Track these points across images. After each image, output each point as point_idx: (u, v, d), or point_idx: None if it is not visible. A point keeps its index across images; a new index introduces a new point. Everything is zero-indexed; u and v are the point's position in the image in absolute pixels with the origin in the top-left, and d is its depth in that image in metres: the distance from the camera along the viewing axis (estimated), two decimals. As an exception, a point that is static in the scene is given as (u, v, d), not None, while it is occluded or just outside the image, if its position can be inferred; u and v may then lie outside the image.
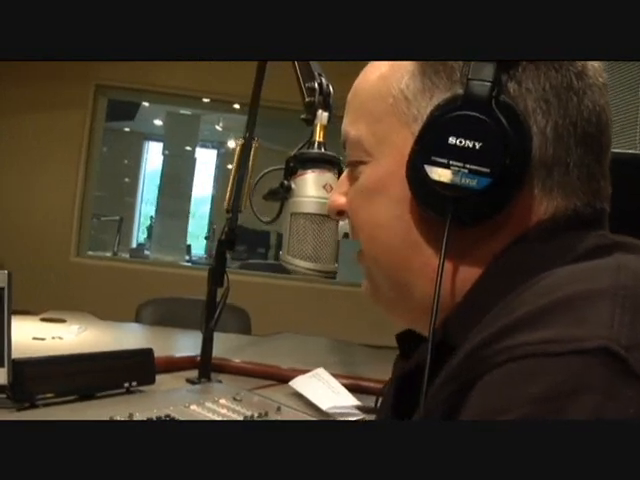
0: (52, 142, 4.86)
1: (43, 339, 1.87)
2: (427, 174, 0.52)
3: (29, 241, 4.69)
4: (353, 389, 1.44)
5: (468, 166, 0.51)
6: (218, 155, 10.20)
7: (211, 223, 9.47)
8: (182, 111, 7.67)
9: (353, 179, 0.61)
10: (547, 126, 0.53)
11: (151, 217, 9.36)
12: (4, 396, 1.18)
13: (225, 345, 2.00)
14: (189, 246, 8.24)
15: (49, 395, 1.19)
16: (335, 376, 1.50)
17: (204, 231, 9.77)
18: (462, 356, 0.46)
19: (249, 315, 2.80)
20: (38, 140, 4.84)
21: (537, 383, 0.40)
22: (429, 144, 0.53)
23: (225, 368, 1.69)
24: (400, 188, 0.55)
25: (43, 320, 2.20)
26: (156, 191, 8.78)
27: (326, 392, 1.40)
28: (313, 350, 2.28)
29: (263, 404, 1.27)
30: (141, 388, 1.36)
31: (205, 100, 5.60)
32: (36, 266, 4.54)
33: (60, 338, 1.91)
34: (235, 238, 1.56)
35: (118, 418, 1.06)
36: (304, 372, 1.54)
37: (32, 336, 1.87)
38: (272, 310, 4.42)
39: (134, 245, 9.54)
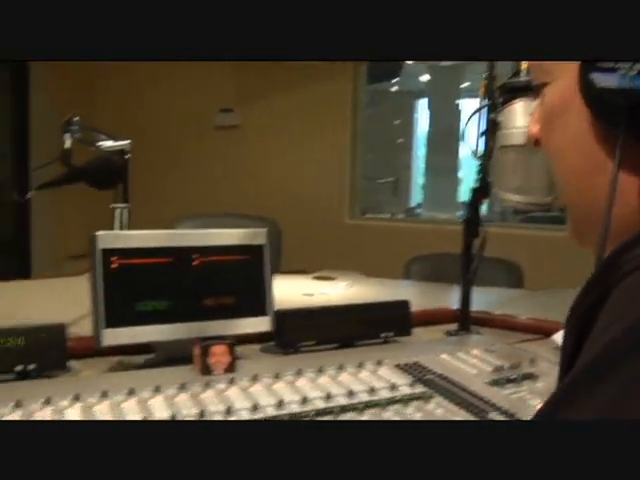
0: (321, 111, 5.12)
1: (312, 295, 2.01)
2: (594, 82, 0.47)
3: (305, 206, 5.03)
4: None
5: (637, 66, 0.45)
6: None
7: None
8: (443, 63, 7.56)
9: (542, 103, 0.57)
10: None
11: (424, 176, 9.46)
12: (273, 343, 1.30)
13: (493, 299, 1.96)
14: (465, 202, 8.16)
15: (311, 343, 1.28)
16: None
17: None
18: (601, 265, 0.43)
19: (522, 269, 2.70)
20: (309, 111, 5.14)
21: None
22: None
23: (487, 321, 1.65)
24: (580, 104, 0.50)
25: (315, 278, 2.37)
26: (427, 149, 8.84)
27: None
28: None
29: (517, 355, 1.21)
30: (398, 339, 1.39)
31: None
32: (312, 229, 4.87)
33: (327, 294, 2.04)
34: (487, 185, 1.51)
35: (368, 364, 1.09)
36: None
37: (302, 292, 2.02)
38: (550, 265, 4.19)
39: (412, 205, 9.70)
